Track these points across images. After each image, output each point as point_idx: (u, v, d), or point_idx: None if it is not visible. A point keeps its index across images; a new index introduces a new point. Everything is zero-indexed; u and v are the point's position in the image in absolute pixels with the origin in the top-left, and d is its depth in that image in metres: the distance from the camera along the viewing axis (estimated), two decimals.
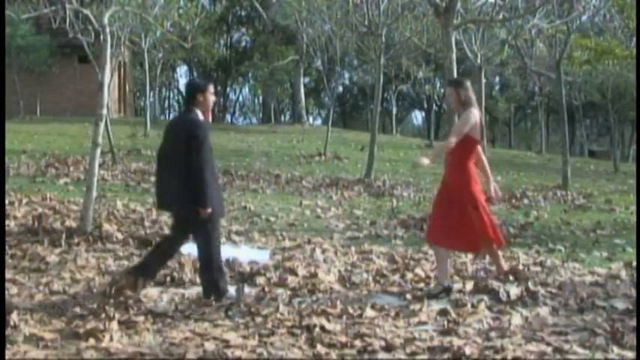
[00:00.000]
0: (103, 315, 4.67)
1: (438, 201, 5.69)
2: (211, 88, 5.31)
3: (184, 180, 5.06)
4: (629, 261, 6.91)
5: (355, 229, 8.72)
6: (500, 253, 5.79)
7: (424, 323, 4.76)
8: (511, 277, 5.81)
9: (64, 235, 7.11)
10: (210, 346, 4.23)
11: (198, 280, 5.72)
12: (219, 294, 5.19)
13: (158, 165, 5.46)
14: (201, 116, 5.23)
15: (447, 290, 5.45)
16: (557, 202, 11.86)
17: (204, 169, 5.04)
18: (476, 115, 5.45)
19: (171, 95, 48.73)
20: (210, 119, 5.61)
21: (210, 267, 5.23)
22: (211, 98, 5.26)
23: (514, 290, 5.43)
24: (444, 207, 5.53)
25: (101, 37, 8.04)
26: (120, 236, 7.34)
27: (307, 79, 36.72)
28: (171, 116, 46.10)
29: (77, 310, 4.89)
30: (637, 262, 6.72)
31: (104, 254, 6.73)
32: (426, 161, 5.28)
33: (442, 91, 28.32)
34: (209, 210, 5.06)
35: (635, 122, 26.10)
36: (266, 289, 5.55)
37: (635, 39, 13.78)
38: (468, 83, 5.64)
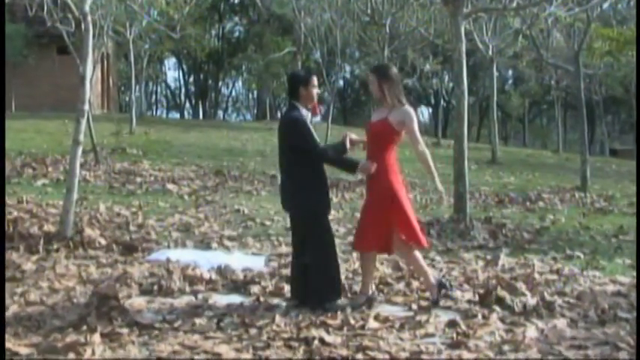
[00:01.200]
0: (84, 327, 4.66)
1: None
2: (314, 81, 5.41)
3: (287, 180, 5.35)
4: None
5: None
6: (420, 255, 5.54)
7: (431, 335, 4.75)
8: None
9: (41, 241, 7.11)
10: None
11: (187, 289, 5.74)
12: (319, 301, 5.23)
13: None
14: (304, 111, 5.36)
15: (370, 300, 5.39)
16: (576, 205, 11.87)
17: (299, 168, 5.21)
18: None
19: (159, 90, 48.86)
20: (319, 113, 5.69)
21: (315, 272, 5.24)
22: (314, 91, 5.39)
23: (529, 300, 5.43)
24: (367, 207, 5.52)
25: (82, 26, 8.03)
26: (103, 242, 7.34)
27: None
28: (159, 112, 46.32)
29: (56, 322, 4.88)
30: (637, 263, 6.80)
31: (86, 261, 6.73)
32: (439, 186, 5.84)
33: (451, 85, 28.37)
34: (310, 210, 5.22)
35: None
36: (261, 298, 5.54)
37: None
38: (394, 70, 5.56)
